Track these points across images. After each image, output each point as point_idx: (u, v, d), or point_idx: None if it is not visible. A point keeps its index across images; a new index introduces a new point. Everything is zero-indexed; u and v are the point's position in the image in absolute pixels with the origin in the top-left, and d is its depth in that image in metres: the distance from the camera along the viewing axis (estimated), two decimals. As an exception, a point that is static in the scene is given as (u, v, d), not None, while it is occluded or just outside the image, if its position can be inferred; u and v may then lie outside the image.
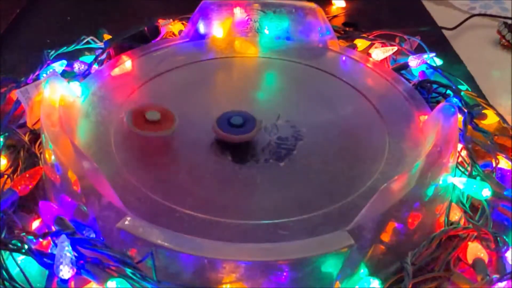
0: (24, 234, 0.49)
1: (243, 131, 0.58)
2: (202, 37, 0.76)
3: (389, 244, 0.49)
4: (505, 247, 0.51)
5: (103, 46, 0.75)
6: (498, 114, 0.66)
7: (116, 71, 0.69)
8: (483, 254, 0.50)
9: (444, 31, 0.91)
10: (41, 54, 0.73)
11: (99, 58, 0.72)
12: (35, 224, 0.53)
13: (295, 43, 0.75)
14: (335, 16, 0.94)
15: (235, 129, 0.58)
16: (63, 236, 0.46)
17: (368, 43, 0.78)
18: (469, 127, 0.63)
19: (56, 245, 0.47)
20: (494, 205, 0.56)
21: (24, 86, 0.66)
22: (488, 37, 0.89)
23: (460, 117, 0.62)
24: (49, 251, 0.49)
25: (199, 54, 0.73)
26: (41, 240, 0.50)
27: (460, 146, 0.59)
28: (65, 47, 0.75)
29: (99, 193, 0.48)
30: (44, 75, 0.69)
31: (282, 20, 0.75)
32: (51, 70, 0.70)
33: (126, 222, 0.46)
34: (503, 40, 0.87)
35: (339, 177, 0.56)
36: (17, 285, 0.47)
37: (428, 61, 0.73)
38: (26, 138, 0.61)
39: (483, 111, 0.66)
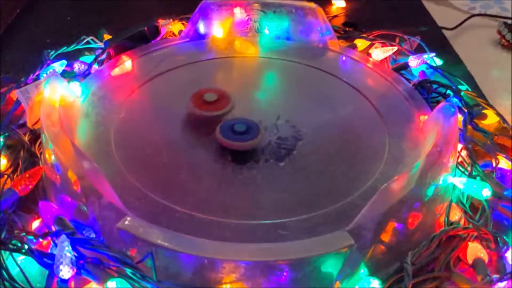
0: (24, 234, 0.49)
1: (247, 138, 0.58)
2: (202, 37, 0.76)
3: (389, 244, 0.49)
4: (505, 247, 0.51)
5: (103, 46, 0.75)
6: (498, 114, 0.66)
7: (116, 71, 0.69)
8: (483, 254, 0.50)
9: (444, 31, 0.91)
10: (41, 54, 0.73)
11: (99, 58, 0.72)
12: (35, 224, 0.53)
13: (295, 43, 0.75)
14: (335, 16, 0.94)
15: (238, 136, 0.58)
16: (63, 236, 0.46)
17: (368, 43, 0.78)
18: (469, 127, 0.63)
19: (56, 245, 0.47)
20: (494, 205, 0.56)
21: (24, 86, 0.66)
22: (488, 37, 0.89)
23: (460, 117, 0.62)
24: (49, 251, 0.49)
25: (199, 54, 0.73)
26: (41, 240, 0.50)
27: (460, 146, 0.59)
28: (65, 47, 0.75)
29: (99, 193, 0.48)
30: (44, 75, 0.69)
31: (282, 20, 0.75)
32: (51, 70, 0.70)
33: (126, 222, 0.46)
34: (503, 40, 0.87)
35: (339, 177, 0.56)
36: (17, 285, 0.47)
37: (428, 61, 0.73)
38: (26, 138, 0.61)
39: (483, 111, 0.67)
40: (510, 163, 0.60)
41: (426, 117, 0.62)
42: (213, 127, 0.59)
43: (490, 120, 0.67)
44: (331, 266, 0.45)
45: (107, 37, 0.78)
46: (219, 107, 0.61)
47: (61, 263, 0.45)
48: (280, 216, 0.51)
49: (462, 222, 0.54)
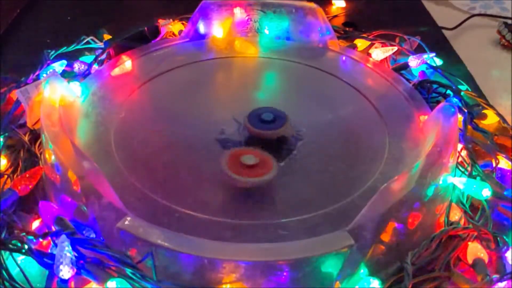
0: (24, 234, 0.49)
1: (274, 126, 0.58)
2: (202, 37, 0.76)
3: (389, 244, 0.49)
4: (505, 247, 0.51)
5: (103, 46, 0.75)
6: (498, 114, 0.66)
7: (116, 71, 0.69)
8: (483, 254, 0.50)
9: (444, 31, 0.91)
10: (41, 54, 0.73)
11: (99, 58, 0.72)
12: (35, 224, 0.53)
13: (295, 43, 0.75)
14: (335, 16, 0.94)
15: (266, 125, 0.58)
16: (63, 236, 0.46)
17: (368, 43, 0.78)
18: (469, 127, 0.63)
19: (56, 245, 0.47)
20: (494, 205, 0.56)
21: (24, 86, 0.66)
22: (488, 37, 0.89)
23: (460, 117, 0.62)
24: (49, 251, 0.49)
25: (199, 54, 0.73)
26: (41, 240, 0.50)
27: (460, 146, 0.59)
28: (65, 47, 0.75)
29: (99, 193, 0.48)
30: (44, 75, 0.69)
31: (282, 20, 0.75)
32: (51, 70, 0.70)
33: (126, 222, 0.46)
34: (503, 40, 0.87)
35: (339, 177, 0.56)
36: (17, 285, 0.47)
37: (428, 61, 0.73)
38: (26, 138, 0.61)
39: (483, 111, 0.67)
40: (510, 163, 0.60)
41: (426, 117, 0.62)
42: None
43: (490, 120, 0.67)
44: (331, 266, 0.45)
45: (107, 37, 0.78)
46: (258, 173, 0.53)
47: (61, 263, 0.45)
48: (280, 216, 0.51)
49: (462, 222, 0.54)
